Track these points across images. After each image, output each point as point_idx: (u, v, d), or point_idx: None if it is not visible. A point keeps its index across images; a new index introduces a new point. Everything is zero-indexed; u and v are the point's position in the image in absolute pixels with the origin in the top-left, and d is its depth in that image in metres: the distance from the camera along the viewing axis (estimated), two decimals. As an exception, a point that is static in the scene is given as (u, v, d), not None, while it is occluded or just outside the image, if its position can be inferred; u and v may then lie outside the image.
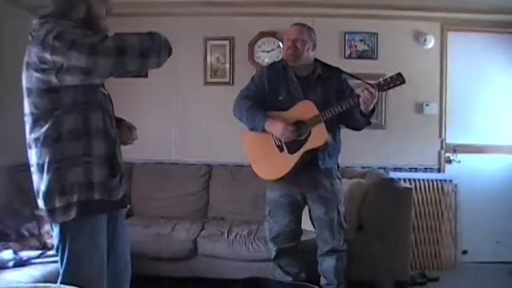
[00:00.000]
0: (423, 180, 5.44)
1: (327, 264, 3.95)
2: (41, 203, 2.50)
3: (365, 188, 4.59)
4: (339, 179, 3.95)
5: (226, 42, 5.57)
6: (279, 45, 5.44)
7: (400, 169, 5.49)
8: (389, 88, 3.57)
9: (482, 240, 5.48)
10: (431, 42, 5.43)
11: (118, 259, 2.77)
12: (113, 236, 2.70)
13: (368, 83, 3.57)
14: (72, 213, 2.43)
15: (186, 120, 5.60)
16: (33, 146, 2.47)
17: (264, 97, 3.86)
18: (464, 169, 5.53)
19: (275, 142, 3.77)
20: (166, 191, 5.23)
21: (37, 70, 2.36)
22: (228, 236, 4.56)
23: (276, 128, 3.68)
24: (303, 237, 4.06)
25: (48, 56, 2.30)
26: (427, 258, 5.38)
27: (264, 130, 3.73)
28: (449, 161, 5.55)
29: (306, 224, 4.03)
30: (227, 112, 5.48)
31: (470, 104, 5.55)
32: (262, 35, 5.50)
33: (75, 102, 2.40)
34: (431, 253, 5.39)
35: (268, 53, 5.49)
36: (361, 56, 5.44)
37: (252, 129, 3.84)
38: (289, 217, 3.89)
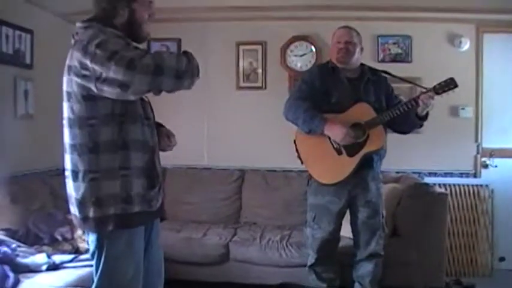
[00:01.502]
0: (459, 185, 5.35)
1: (364, 270, 3.91)
2: (73, 209, 2.50)
3: (399, 193, 4.53)
4: (381, 182, 3.96)
5: (259, 47, 5.57)
6: (311, 50, 5.43)
7: (435, 174, 5.42)
8: (444, 92, 3.59)
9: (520, 247, 5.36)
10: (466, 45, 5.35)
11: (152, 264, 2.77)
12: (147, 241, 2.71)
13: (423, 87, 3.63)
14: (110, 226, 2.43)
15: (218, 124, 5.61)
16: (68, 151, 2.48)
17: (317, 98, 3.81)
18: (501, 174, 5.42)
19: (332, 145, 3.73)
20: (198, 196, 5.24)
21: (78, 75, 2.35)
22: (260, 241, 4.54)
23: (337, 131, 3.63)
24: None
25: (88, 62, 2.29)
26: (463, 265, 5.29)
27: (321, 133, 3.69)
28: (486, 166, 5.45)
29: (342, 230, 4.00)
30: (259, 116, 5.52)
31: (507, 108, 5.44)
32: (295, 39, 5.49)
33: (113, 113, 2.39)
34: (467, 259, 5.30)
35: (301, 57, 5.47)
36: (395, 59, 5.38)
37: (308, 132, 3.76)
38: (334, 224, 3.86)
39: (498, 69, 5.42)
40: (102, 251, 2.48)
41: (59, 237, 4.05)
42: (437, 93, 3.57)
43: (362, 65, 3.92)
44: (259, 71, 5.58)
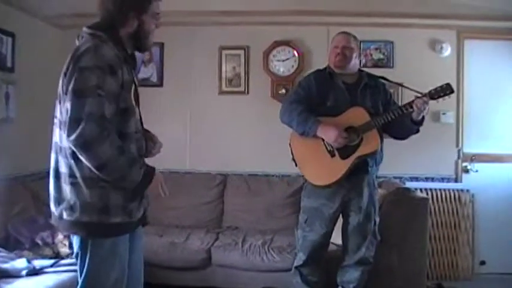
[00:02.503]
0: (440, 189, 5.38)
1: (351, 276, 3.92)
2: (52, 206, 2.52)
3: (381, 198, 4.54)
4: (377, 189, 3.98)
5: (241, 52, 5.57)
6: (294, 55, 5.44)
7: (416, 179, 5.45)
8: (439, 97, 3.58)
9: (500, 251, 5.40)
10: (447, 50, 5.40)
11: (132, 269, 2.76)
12: (129, 247, 2.70)
13: (418, 92, 3.60)
14: (83, 232, 2.46)
15: (201, 129, 5.60)
16: (54, 150, 2.50)
17: (312, 102, 3.83)
18: (482, 179, 5.47)
19: (326, 147, 3.74)
20: (181, 200, 5.21)
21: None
22: (242, 246, 4.54)
23: (329, 133, 3.64)
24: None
25: (66, 78, 2.35)
26: (444, 269, 5.32)
27: (315, 135, 3.71)
28: (467, 171, 5.49)
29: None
30: (242, 121, 5.53)
31: (488, 113, 5.49)
32: (277, 44, 5.50)
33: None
34: (448, 263, 5.33)
35: (283, 62, 5.48)
36: (377, 64, 5.41)
37: (302, 133, 3.78)
38: (326, 228, 3.86)
39: (479, 75, 5.47)
40: (86, 253, 2.49)
41: (40, 242, 4.03)
42: (433, 98, 3.56)
43: (360, 70, 3.95)
44: (242, 75, 5.57)
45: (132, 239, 2.71)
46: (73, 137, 2.28)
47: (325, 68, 3.96)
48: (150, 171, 2.57)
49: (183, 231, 4.87)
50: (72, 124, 2.28)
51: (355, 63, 3.88)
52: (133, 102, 2.55)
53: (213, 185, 5.33)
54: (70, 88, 2.31)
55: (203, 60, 5.56)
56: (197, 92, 5.61)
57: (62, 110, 2.40)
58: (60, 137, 2.46)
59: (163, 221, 5.06)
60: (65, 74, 2.39)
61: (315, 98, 3.84)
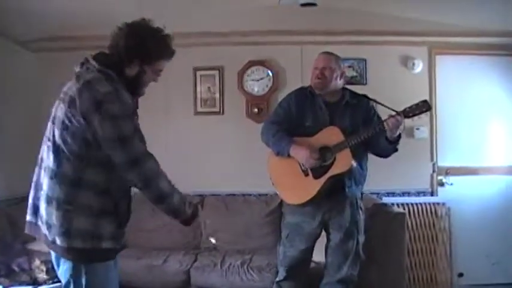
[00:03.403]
0: (416, 204, 5.44)
1: None
2: (42, 228, 2.49)
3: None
4: (361, 209, 3.93)
5: (216, 72, 5.59)
6: (268, 74, 5.48)
7: (393, 193, 5.50)
8: (414, 115, 3.55)
9: (478, 263, 5.46)
10: (419, 67, 5.48)
11: None
12: None
13: (394, 110, 3.58)
14: (74, 257, 2.46)
15: (177, 150, 5.58)
16: (48, 175, 2.47)
17: (291, 122, 3.86)
18: (457, 192, 5.54)
19: (301, 167, 3.76)
20: (158, 222, 5.15)
21: (79, 117, 2.39)
22: (221, 267, 4.52)
23: (301, 154, 3.67)
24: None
25: (96, 122, 2.37)
26: (423, 282, 5.36)
27: (289, 155, 3.73)
28: (442, 184, 5.55)
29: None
30: (218, 141, 5.54)
31: (461, 127, 5.58)
32: (251, 63, 5.54)
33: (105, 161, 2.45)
34: (427, 277, 5.37)
35: (258, 82, 5.52)
36: (350, 82, 5.42)
37: (277, 153, 3.83)
38: (306, 244, 3.87)
39: (451, 90, 5.56)
40: (81, 280, 2.47)
41: (16, 268, 3.98)
42: (407, 117, 3.54)
43: (344, 88, 3.92)
44: (217, 96, 5.59)
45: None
46: (138, 176, 2.49)
47: (308, 87, 3.96)
48: (195, 205, 2.87)
49: (161, 253, 4.84)
50: (130, 166, 2.45)
51: (336, 83, 3.83)
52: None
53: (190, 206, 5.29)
54: (111, 136, 2.38)
55: (178, 81, 5.56)
56: (173, 112, 5.62)
57: (69, 139, 2.41)
58: (58, 163, 2.44)
59: (141, 244, 5.01)
60: (72, 102, 2.40)
61: (294, 117, 3.86)
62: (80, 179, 2.41)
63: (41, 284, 3.81)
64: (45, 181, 2.49)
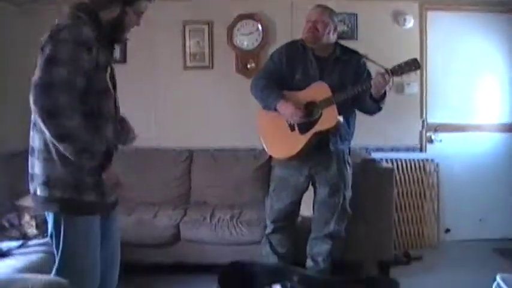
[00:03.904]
0: (405, 160, 5.46)
1: (320, 249, 3.98)
2: (29, 183, 2.51)
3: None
4: (348, 164, 3.96)
5: (205, 26, 5.51)
6: (257, 28, 5.42)
7: (382, 149, 5.50)
8: (403, 73, 3.52)
9: (464, 219, 5.54)
10: (410, 22, 5.43)
11: (110, 252, 2.79)
12: (104, 232, 2.71)
13: (383, 67, 3.54)
14: (55, 208, 2.46)
15: (166, 105, 5.56)
16: (31, 126, 2.49)
17: (281, 75, 3.85)
18: (446, 148, 5.56)
19: (287, 121, 3.76)
20: (147, 177, 5.19)
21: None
22: (210, 221, 4.55)
23: (287, 110, 3.68)
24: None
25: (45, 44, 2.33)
26: (410, 238, 5.42)
27: (276, 110, 3.73)
28: (431, 141, 5.57)
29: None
30: (207, 96, 5.51)
31: (451, 83, 5.56)
32: (241, 17, 5.46)
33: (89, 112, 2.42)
34: (414, 232, 5.43)
35: (247, 36, 5.45)
36: (341, 36, 5.29)
37: (265, 107, 3.85)
38: (292, 198, 3.93)
39: (442, 46, 5.52)
40: (60, 232, 2.49)
41: (6, 224, 3.98)
42: (396, 75, 3.51)
43: (336, 43, 3.88)
44: (206, 50, 5.53)
45: (108, 224, 2.73)
46: (40, 102, 2.26)
47: (299, 40, 3.92)
48: (111, 153, 2.54)
49: (151, 208, 4.85)
50: (40, 90, 2.26)
51: (328, 37, 3.78)
52: (110, 86, 2.55)
53: (179, 161, 5.30)
54: (44, 57, 2.29)
55: (167, 35, 5.50)
56: (161, 68, 5.55)
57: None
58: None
59: (130, 199, 5.02)
60: (42, 49, 2.36)
61: (284, 71, 3.85)
62: None
63: (30, 239, 3.82)
64: (30, 134, 2.49)
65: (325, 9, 3.83)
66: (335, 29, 3.82)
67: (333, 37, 3.83)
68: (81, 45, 2.33)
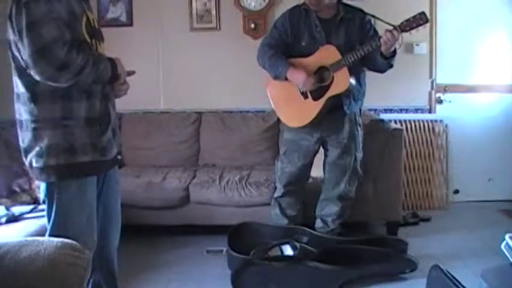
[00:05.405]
0: (414, 120, 5.43)
1: (330, 210, 4.00)
2: (23, 157, 2.50)
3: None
4: (359, 125, 3.96)
5: (212, -13, 5.44)
6: (264, -11, 5.34)
7: (390, 110, 5.47)
8: (412, 28, 3.47)
9: (473, 180, 5.52)
10: (420, -21, 5.33)
11: (108, 209, 2.77)
12: (102, 186, 2.70)
13: (390, 24, 3.50)
14: (52, 177, 2.43)
15: (173, 67, 5.52)
16: (15, 100, 2.46)
17: (287, 43, 3.82)
18: (455, 109, 5.52)
19: (299, 89, 3.74)
20: (156, 140, 5.20)
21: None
22: (219, 183, 4.56)
23: (298, 78, 3.66)
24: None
25: (16, 12, 2.26)
26: (419, 198, 5.43)
27: (286, 79, 3.71)
28: (440, 101, 5.52)
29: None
30: (214, 58, 5.48)
31: (461, 44, 5.48)
32: (248, -23, 5.37)
33: None
34: (423, 193, 5.43)
35: (255, -3, 5.37)
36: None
37: (275, 77, 3.81)
38: (303, 160, 3.93)
39: (452, 5, 5.43)
40: (53, 199, 2.47)
41: (17, 189, 4.02)
42: (404, 31, 3.46)
43: (339, 2, 3.83)
44: (213, 11, 5.46)
45: (108, 182, 2.71)
46: (41, 68, 2.23)
47: (302, 4, 3.87)
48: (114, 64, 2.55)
49: (160, 170, 4.87)
50: (36, 57, 2.21)
51: None
52: (87, 37, 2.46)
53: (188, 124, 5.30)
54: (22, 26, 2.22)
55: (173, -4, 5.46)
56: (168, 29, 5.50)
57: (17, 55, 2.34)
58: (16, 84, 2.42)
59: (139, 162, 5.05)
60: (10, 18, 2.30)
61: (289, 38, 3.82)
62: (34, 93, 2.36)
63: (41, 203, 3.84)
64: (15, 107, 2.47)
65: None
66: None
67: None
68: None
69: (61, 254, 1.98)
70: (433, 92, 5.51)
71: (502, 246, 2.56)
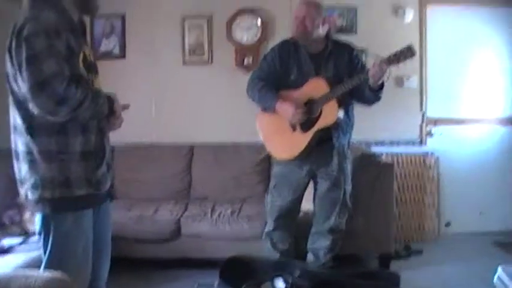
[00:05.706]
0: (405, 154, 5.45)
1: (321, 244, 3.97)
2: (18, 187, 2.49)
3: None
4: (348, 158, 3.95)
5: (204, 21, 5.50)
6: (257, 23, 5.40)
7: (381, 143, 5.49)
8: (399, 62, 3.46)
9: (465, 212, 5.53)
10: (410, 16, 5.41)
11: (99, 242, 2.74)
12: (95, 218, 2.68)
13: (380, 57, 3.50)
14: (47, 209, 2.43)
15: (165, 100, 5.55)
16: (12, 131, 2.46)
17: (277, 76, 3.84)
18: (446, 142, 5.56)
19: (288, 121, 3.75)
20: (148, 173, 5.20)
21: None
22: (211, 216, 4.55)
23: (287, 110, 3.67)
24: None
25: (16, 46, 2.28)
26: (411, 231, 5.42)
27: (275, 111, 3.72)
28: (431, 134, 5.56)
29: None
30: (207, 91, 5.51)
31: (450, 77, 5.56)
32: (240, 12, 5.44)
33: None
34: (414, 226, 5.43)
35: (247, 31, 5.43)
36: (340, 30, 5.39)
37: (264, 109, 3.84)
38: (293, 195, 3.91)
39: (441, 40, 5.51)
40: (49, 231, 2.46)
41: (7, 221, 3.99)
42: (392, 64, 3.46)
43: (328, 37, 3.86)
44: (206, 45, 5.51)
45: (100, 215, 2.70)
46: (41, 102, 2.24)
47: (290, 39, 3.91)
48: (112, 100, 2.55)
49: (152, 203, 4.85)
50: (36, 90, 2.23)
51: (318, 32, 3.77)
52: (85, 72, 2.48)
53: (180, 156, 5.30)
54: (22, 59, 2.24)
55: (166, 30, 5.50)
56: (161, 62, 5.54)
57: (15, 87, 2.36)
58: (13, 116, 2.43)
59: (131, 195, 5.03)
60: (9, 51, 2.33)
61: (278, 71, 3.84)
62: (30, 125, 2.37)
63: (31, 236, 3.82)
64: (11, 138, 2.48)
65: (310, 4, 3.79)
66: (323, 21, 3.79)
67: (322, 30, 3.80)
68: (52, 32, 2.29)
69: (50, 288, 1.96)
70: (424, 124, 5.55)
71: (495, 279, 2.56)
